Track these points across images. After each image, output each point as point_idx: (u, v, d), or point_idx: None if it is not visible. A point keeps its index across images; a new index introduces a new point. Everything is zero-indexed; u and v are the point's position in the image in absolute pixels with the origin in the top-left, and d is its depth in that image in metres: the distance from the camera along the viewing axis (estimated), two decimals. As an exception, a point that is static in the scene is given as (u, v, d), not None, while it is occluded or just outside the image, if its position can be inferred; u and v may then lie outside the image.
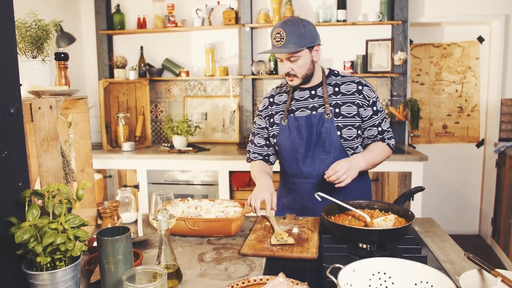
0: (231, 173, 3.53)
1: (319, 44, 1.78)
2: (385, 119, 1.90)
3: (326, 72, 1.90)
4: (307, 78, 1.81)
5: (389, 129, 1.92)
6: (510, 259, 3.54)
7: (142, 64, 4.07)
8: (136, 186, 3.64)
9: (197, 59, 4.16)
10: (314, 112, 1.83)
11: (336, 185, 1.68)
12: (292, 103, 1.89)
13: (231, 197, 3.58)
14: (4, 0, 1.04)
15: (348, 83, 1.85)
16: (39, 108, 1.19)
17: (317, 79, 1.86)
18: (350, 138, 1.82)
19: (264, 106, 1.98)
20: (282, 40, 1.69)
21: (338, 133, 1.80)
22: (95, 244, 1.38)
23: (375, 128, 1.87)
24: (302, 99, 1.87)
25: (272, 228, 1.59)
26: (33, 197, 1.10)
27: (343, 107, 1.82)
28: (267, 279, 1.15)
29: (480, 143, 4.26)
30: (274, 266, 1.31)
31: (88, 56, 4.23)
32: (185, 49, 4.16)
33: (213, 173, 3.57)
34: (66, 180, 1.30)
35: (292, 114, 1.86)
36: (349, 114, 1.81)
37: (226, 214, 1.59)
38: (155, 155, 3.60)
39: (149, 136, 4.05)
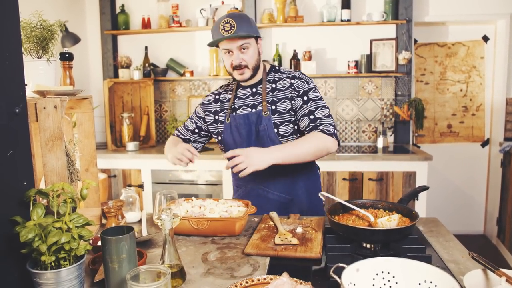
0: (235, 172, 3.53)
1: (261, 38, 1.84)
2: (321, 108, 1.77)
3: (267, 68, 1.91)
4: (256, 69, 1.83)
5: (327, 118, 1.77)
6: (515, 260, 3.52)
7: (147, 64, 4.08)
8: (141, 186, 3.65)
9: (201, 59, 4.16)
10: (253, 110, 1.85)
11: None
12: (235, 101, 1.90)
13: (235, 196, 3.58)
14: (10, 0, 1.05)
15: (284, 79, 1.86)
16: (44, 108, 1.19)
17: (259, 75, 1.88)
18: (287, 135, 1.82)
19: (208, 101, 1.99)
20: (232, 28, 1.69)
21: (276, 130, 1.80)
22: (99, 243, 1.39)
23: (306, 118, 1.77)
24: (244, 97, 1.89)
25: (276, 227, 1.59)
26: (38, 196, 1.11)
27: (278, 103, 1.82)
28: (271, 279, 1.15)
29: (485, 143, 4.24)
30: (277, 265, 1.31)
31: (92, 56, 4.25)
32: (190, 49, 4.17)
33: (217, 173, 3.57)
34: (70, 179, 1.30)
35: (234, 113, 1.89)
36: (284, 110, 1.82)
37: (230, 213, 1.59)
38: (160, 155, 3.61)
39: (154, 136, 4.06)
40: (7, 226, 1.03)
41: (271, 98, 1.84)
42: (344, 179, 3.40)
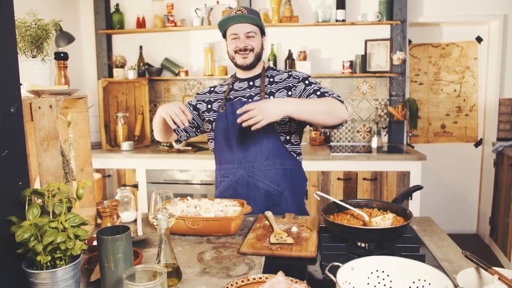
0: (230, 172, 3.53)
1: (266, 36, 1.97)
2: (323, 88, 1.84)
3: (265, 67, 2.01)
4: (258, 58, 1.92)
5: (330, 91, 1.82)
6: (508, 258, 3.56)
7: (141, 64, 4.07)
8: (135, 186, 3.65)
9: (196, 58, 4.16)
10: (250, 100, 1.90)
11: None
12: (231, 92, 1.96)
13: (230, 196, 3.58)
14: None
15: (281, 73, 1.97)
16: (39, 108, 1.19)
17: (257, 69, 1.96)
18: (283, 122, 1.88)
19: (203, 92, 2.06)
20: (244, 14, 1.82)
21: None
22: (94, 243, 1.39)
23: (313, 95, 1.82)
24: (240, 89, 1.96)
25: (271, 227, 1.60)
26: (33, 196, 1.10)
27: (276, 93, 1.90)
28: (266, 278, 1.15)
29: (478, 143, 4.27)
30: (273, 264, 1.32)
31: (87, 56, 4.23)
32: (184, 49, 4.16)
33: (212, 173, 3.57)
34: (66, 179, 1.30)
35: (229, 102, 1.93)
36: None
37: (225, 213, 1.60)
38: (154, 155, 3.60)
39: (148, 136, 4.05)
40: (2, 226, 1.03)
41: (269, 90, 1.92)
42: (338, 178, 3.42)
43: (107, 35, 4.13)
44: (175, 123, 1.67)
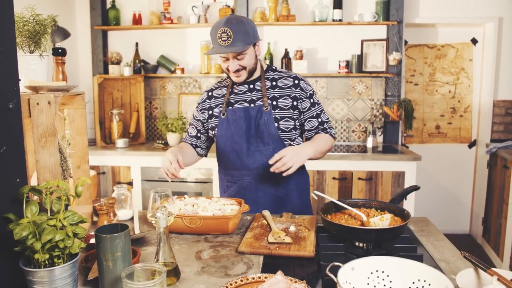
0: (226, 171, 3.52)
1: (260, 40, 1.87)
2: (323, 111, 1.96)
3: (264, 67, 1.97)
4: (252, 72, 1.88)
5: (328, 120, 1.98)
6: (500, 258, 3.59)
7: (137, 61, 4.05)
8: (130, 183, 3.63)
9: (192, 56, 4.14)
10: (252, 105, 1.88)
11: (283, 174, 1.68)
12: (231, 96, 1.93)
13: (225, 195, 3.57)
14: (4, -6, 1.03)
15: (285, 77, 1.93)
16: (38, 104, 1.18)
17: (256, 73, 1.92)
18: (287, 130, 1.87)
19: (202, 99, 2.01)
20: (229, 39, 1.71)
21: (276, 124, 1.85)
22: (91, 241, 1.38)
23: (314, 120, 1.93)
24: (240, 92, 1.92)
25: (269, 226, 1.60)
26: (30, 194, 1.09)
27: (280, 100, 1.87)
28: (266, 277, 1.15)
29: (472, 144, 4.30)
30: (271, 264, 1.31)
31: (82, 52, 4.19)
32: (181, 46, 4.15)
33: (206, 171, 3.56)
34: (63, 176, 1.29)
35: (230, 107, 1.90)
36: (285, 106, 1.87)
37: (223, 212, 1.59)
38: (149, 152, 3.59)
39: (143, 133, 4.03)
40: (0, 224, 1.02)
41: (272, 94, 1.88)
42: (333, 178, 3.42)
43: (102, 31, 4.10)
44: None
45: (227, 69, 1.82)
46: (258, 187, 1.89)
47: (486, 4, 3.86)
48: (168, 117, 3.93)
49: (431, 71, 4.23)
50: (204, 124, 1.99)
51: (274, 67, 1.99)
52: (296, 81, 1.91)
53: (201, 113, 1.99)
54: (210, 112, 1.96)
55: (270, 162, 1.68)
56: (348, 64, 3.88)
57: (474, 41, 4.15)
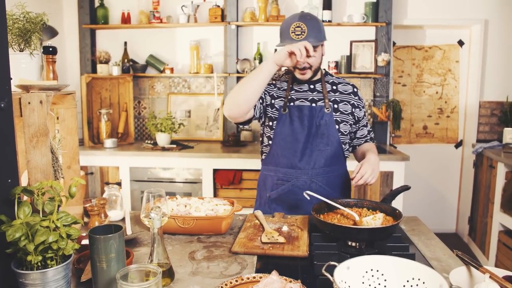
0: (215, 171, 3.52)
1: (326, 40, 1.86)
2: (368, 121, 2.09)
3: (323, 71, 1.97)
4: (317, 71, 1.87)
5: (371, 130, 2.09)
6: (486, 257, 3.65)
7: (126, 60, 4.01)
8: (119, 183, 3.59)
9: (181, 56, 4.12)
10: (313, 105, 1.86)
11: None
12: (291, 92, 1.90)
13: (215, 195, 3.57)
14: (-5, -9, 1.01)
15: (344, 83, 1.96)
16: (29, 103, 1.16)
17: (317, 75, 1.91)
18: (346, 133, 1.90)
19: (269, 82, 1.91)
20: (303, 33, 1.71)
21: (337, 126, 1.87)
22: (83, 242, 1.36)
23: (365, 128, 2.02)
24: (301, 90, 1.90)
25: (261, 226, 1.60)
26: (21, 194, 1.07)
27: (340, 104, 1.90)
28: (260, 277, 1.15)
29: (458, 144, 4.37)
30: (265, 264, 1.31)
31: (70, 51, 4.14)
32: (170, 46, 4.12)
33: (195, 171, 3.55)
34: (55, 177, 1.27)
35: (292, 103, 1.87)
36: (345, 111, 1.90)
37: (216, 212, 1.59)
38: (139, 152, 3.56)
39: (132, 133, 4.00)
40: (-9, 225, 1.00)
41: (333, 98, 1.90)
42: (323, 178, 3.43)
43: (91, 30, 4.05)
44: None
45: (294, 66, 1.79)
46: (312, 187, 1.86)
47: (473, 7, 3.93)
48: (157, 117, 3.90)
49: (418, 72, 4.28)
50: (265, 105, 1.89)
51: (330, 73, 2.00)
52: (355, 89, 1.95)
53: (265, 93, 1.89)
54: (273, 101, 1.89)
55: (353, 182, 1.70)
56: (337, 65, 3.90)
57: (460, 43, 4.21)
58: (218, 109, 4.08)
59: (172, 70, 4.00)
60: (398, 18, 3.95)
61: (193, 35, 4.05)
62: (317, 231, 1.48)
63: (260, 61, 3.94)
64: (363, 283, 1.02)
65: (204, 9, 3.96)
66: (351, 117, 1.91)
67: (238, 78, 4.02)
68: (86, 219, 1.66)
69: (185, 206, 1.62)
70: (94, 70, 4.06)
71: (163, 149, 3.62)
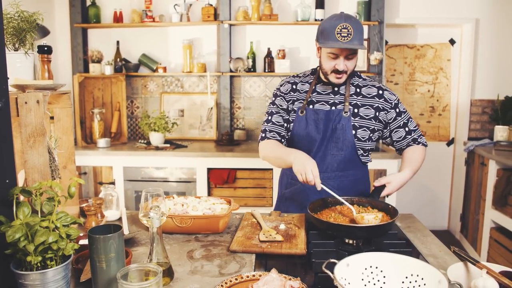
0: (209, 170, 3.52)
1: None
2: (410, 120, 1.91)
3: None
4: (351, 76, 1.85)
5: (416, 128, 1.94)
6: (477, 253, 3.69)
7: (118, 59, 3.99)
8: (112, 183, 3.57)
9: (174, 55, 4.11)
10: (333, 108, 1.83)
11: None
12: (313, 95, 1.87)
13: (209, 194, 3.57)
14: (-9, -10, 1.00)
15: (369, 86, 1.88)
16: (26, 103, 1.15)
17: None
18: (363, 139, 1.83)
19: (287, 90, 1.92)
20: (349, 35, 1.65)
21: (353, 132, 1.81)
22: (81, 242, 1.35)
23: (401, 129, 1.90)
24: (323, 93, 1.87)
25: (259, 224, 1.60)
26: (19, 195, 1.07)
27: (361, 108, 1.83)
28: (260, 275, 1.16)
29: (450, 142, 4.41)
30: (263, 262, 1.32)
31: (61, 50, 4.10)
32: (163, 45, 4.11)
33: (189, 170, 3.54)
34: (52, 177, 1.26)
35: (311, 106, 1.85)
36: (366, 116, 1.83)
37: (213, 211, 1.59)
38: (132, 152, 3.54)
39: (125, 133, 3.98)
40: (-11, 226, 0.99)
41: (354, 101, 1.84)
42: (317, 176, 3.45)
43: (82, 29, 4.02)
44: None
45: (333, 69, 1.75)
46: (322, 189, 1.79)
47: (464, 6, 3.97)
48: (150, 116, 3.89)
49: (410, 70, 4.32)
50: (290, 114, 1.90)
51: (358, 73, 1.93)
52: (380, 91, 1.86)
53: (289, 103, 1.90)
54: (291, 105, 1.89)
55: (375, 184, 1.72)
56: (330, 64, 3.91)
57: (452, 41, 4.25)
58: (212, 108, 4.07)
59: (165, 69, 3.98)
60: (390, 17, 3.97)
61: (186, 34, 4.04)
62: (314, 229, 1.49)
63: (253, 60, 3.94)
64: (362, 279, 1.03)
65: (196, 8, 3.95)
66: (375, 122, 1.84)
67: (231, 77, 4.02)
68: (82, 219, 1.66)
69: (182, 205, 1.62)
70: (86, 70, 4.03)
71: (157, 148, 3.61)
